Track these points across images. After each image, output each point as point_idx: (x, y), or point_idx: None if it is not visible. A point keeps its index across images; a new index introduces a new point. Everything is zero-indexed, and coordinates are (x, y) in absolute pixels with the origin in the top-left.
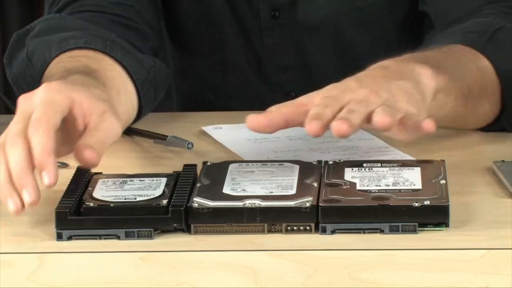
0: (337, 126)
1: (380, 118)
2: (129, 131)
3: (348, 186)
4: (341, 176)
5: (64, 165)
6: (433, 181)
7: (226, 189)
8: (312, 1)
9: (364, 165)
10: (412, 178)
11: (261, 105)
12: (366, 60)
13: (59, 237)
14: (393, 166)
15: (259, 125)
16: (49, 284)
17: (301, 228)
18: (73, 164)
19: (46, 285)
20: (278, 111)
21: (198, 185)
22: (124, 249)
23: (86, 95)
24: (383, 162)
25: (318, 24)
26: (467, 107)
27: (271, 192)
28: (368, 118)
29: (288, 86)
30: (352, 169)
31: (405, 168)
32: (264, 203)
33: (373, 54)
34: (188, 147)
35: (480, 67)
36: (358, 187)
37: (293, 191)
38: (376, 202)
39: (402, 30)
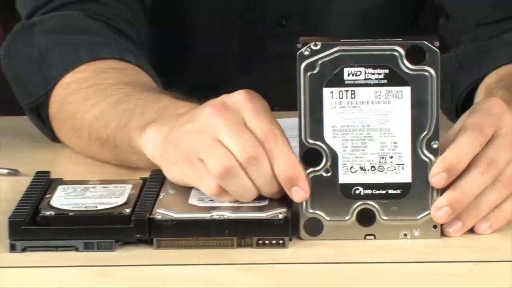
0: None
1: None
2: None
3: None
4: None
5: (15, 172)
6: None
7: (193, 200)
8: (323, 7)
9: None
10: None
11: None
12: None
13: (12, 248)
14: None
15: None
16: None
17: (274, 242)
18: (24, 171)
19: None
20: None
21: (162, 195)
22: (82, 263)
23: None
24: None
25: (325, 30)
26: None
27: (242, 203)
28: None
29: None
30: None
31: None
32: (233, 215)
33: None
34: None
35: None
36: None
37: (265, 202)
38: None
39: (406, 30)
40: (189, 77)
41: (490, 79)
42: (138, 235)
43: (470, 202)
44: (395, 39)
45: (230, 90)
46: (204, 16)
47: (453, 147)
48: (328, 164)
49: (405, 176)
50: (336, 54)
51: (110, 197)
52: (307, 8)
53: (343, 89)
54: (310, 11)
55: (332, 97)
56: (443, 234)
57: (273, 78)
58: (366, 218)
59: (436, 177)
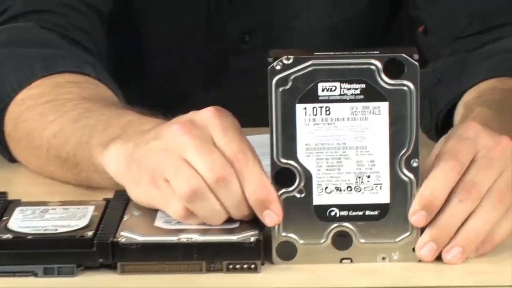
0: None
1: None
2: None
3: None
4: None
5: None
6: None
7: (159, 222)
8: (287, 21)
9: None
10: None
11: None
12: None
13: None
14: None
15: None
16: None
17: (245, 266)
18: None
19: None
20: None
21: (126, 217)
22: None
23: None
24: None
25: (290, 45)
26: None
27: (211, 225)
28: None
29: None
30: None
31: None
32: (202, 238)
33: None
34: None
35: None
36: None
37: (236, 224)
38: None
39: (378, 42)
40: (150, 91)
41: (469, 96)
42: (101, 260)
43: (453, 232)
44: (371, 52)
45: (194, 106)
46: (162, 30)
47: (428, 181)
48: (302, 184)
49: (383, 196)
50: (310, 69)
51: (71, 219)
52: (270, 23)
53: (317, 105)
54: (273, 25)
55: (305, 114)
56: None
57: (238, 94)
58: (342, 241)
59: (415, 216)
